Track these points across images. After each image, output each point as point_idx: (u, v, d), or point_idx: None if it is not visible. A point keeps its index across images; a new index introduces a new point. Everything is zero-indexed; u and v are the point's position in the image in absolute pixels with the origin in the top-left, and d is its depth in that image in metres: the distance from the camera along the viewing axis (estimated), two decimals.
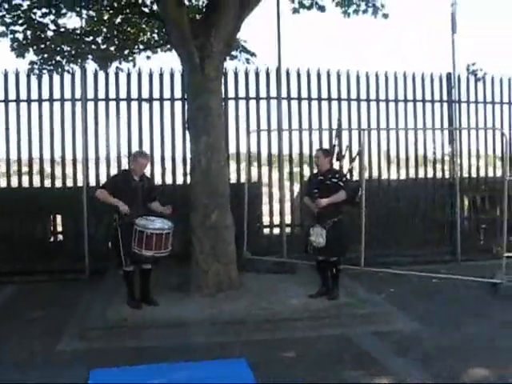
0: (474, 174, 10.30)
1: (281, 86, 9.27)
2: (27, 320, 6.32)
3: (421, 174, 10.12)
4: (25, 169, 9.13)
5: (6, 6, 7.50)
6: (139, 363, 4.81)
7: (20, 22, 7.65)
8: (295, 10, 8.64)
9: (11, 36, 7.70)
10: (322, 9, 8.57)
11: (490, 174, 10.41)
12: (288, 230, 9.53)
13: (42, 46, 7.95)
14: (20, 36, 7.76)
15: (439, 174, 10.17)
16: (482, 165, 10.35)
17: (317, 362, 4.90)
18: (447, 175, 10.11)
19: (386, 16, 8.41)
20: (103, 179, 8.93)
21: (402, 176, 10.02)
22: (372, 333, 5.68)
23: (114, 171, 8.94)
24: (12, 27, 7.65)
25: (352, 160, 8.60)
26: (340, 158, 8.06)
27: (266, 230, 9.72)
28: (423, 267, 8.54)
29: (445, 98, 10.04)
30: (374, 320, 6.03)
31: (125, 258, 6.18)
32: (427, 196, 9.94)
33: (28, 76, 8.88)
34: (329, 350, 5.19)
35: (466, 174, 10.21)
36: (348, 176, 7.92)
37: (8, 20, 7.58)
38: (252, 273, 7.96)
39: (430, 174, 10.16)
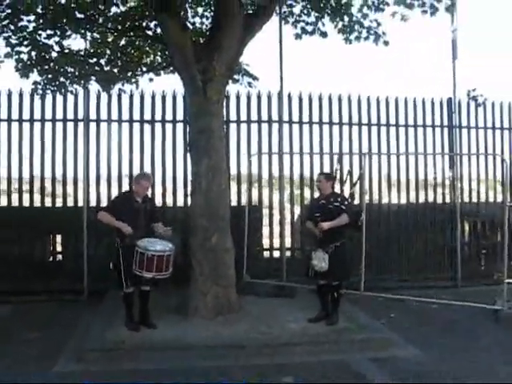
0: (474, 199, 10.31)
1: (282, 109, 9.34)
2: (24, 340, 6.29)
3: (421, 199, 10.13)
4: (26, 187, 9.16)
5: (12, 28, 7.59)
6: None
7: (25, 43, 7.73)
8: (297, 36, 8.73)
9: (16, 57, 7.77)
10: (324, 35, 8.67)
11: (491, 199, 10.42)
12: (288, 253, 9.53)
13: (46, 66, 8.04)
14: (25, 57, 7.83)
15: (440, 199, 10.17)
16: (482, 190, 10.36)
17: None
18: (448, 200, 10.12)
19: (386, 43, 8.50)
20: (104, 199, 8.96)
21: (403, 200, 10.04)
22: (371, 359, 5.65)
23: (114, 191, 8.97)
24: (17, 48, 7.72)
25: (353, 184, 8.62)
26: (341, 182, 8.09)
27: (266, 253, 9.70)
28: (423, 292, 8.52)
29: (445, 123, 10.07)
30: (373, 346, 6.00)
31: (125, 280, 6.18)
32: (428, 220, 9.92)
33: (31, 96, 8.95)
34: (327, 376, 5.16)
35: (466, 199, 10.23)
36: (350, 200, 7.94)
37: (14, 41, 7.66)
38: (251, 296, 7.93)
39: (430, 199, 10.17)
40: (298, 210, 9.85)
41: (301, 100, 9.67)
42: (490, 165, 10.29)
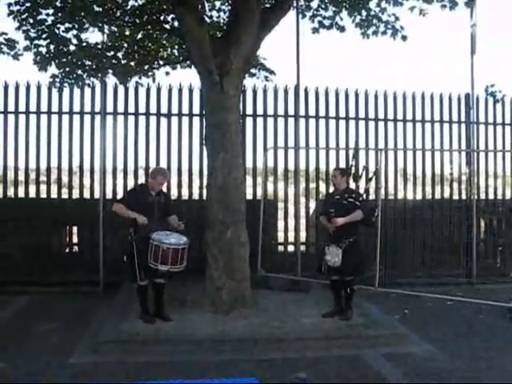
0: (491, 196, 10.24)
1: (299, 104, 9.36)
2: (40, 332, 6.37)
3: (437, 195, 10.08)
4: (43, 179, 9.26)
5: (31, 21, 7.62)
6: (149, 379, 4.82)
7: (44, 36, 7.75)
8: (315, 30, 8.68)
9: (35, 50, 7.80)
10: (341, 29, 8.61)
11: (508, 196, 10.34)
12: (303, 247, 9.54)
13: (64, 59, 8.04)
14: (43, 50, 7.84)
15: (456, 195, 10.12)
16: (499, 186, 10.27)
17: (328, 383, 4.89)
18: (464, 196, 10.06)
19: (404, 38, 8.42)
20: (120, 192, 9.02)
21: (419, 196, 9.99)
22: (385, 355, 5.65)
23: (130, 184, 9.03)
24: (36, 41, 7.75)
25: (369, 180, 8.61)
26: (357, 178, 8.07)
27: (281, 248, 9.72)
28: (438, 289, 8.51)
29: (463, 118, 10.00)
30: (387, 341, 6.00)
31: (139, 273, 6.23)
32: (443, 217, 9.85)
33: (49, 89, 9.04)
34: (341, 371, 5.17)
35: (482, 196, 10.16)
36: (364, 196, 7.93)
37: (32, 34, 7.69)
38: (266, 290, 7.97)
39: (446, 195, 10.11)
40: (313, 205, 9.86)
41: (317, 94, 9.65)
42: (507, 161, 10.21)
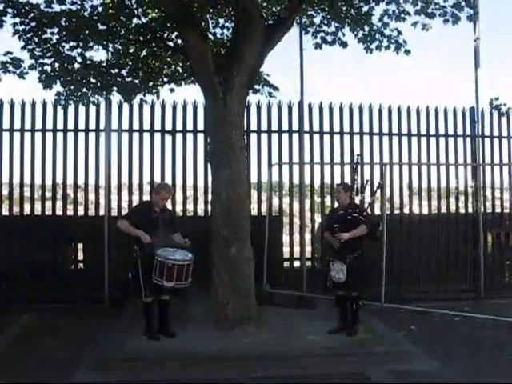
0: (497, 210, 10.19)
1: (303, 119, 9.39)
2: (44, 349, 6.36)
3: (443, 209, 10.04)
4: (48, 195, 9.31)
5: (36, 40, 7.72)
6: None
7: (49, 54, 7.84)
8: (317, 45, 8.74)
9: (40, 68, 7.89)
10: (344, 44, 8.66)
11: None
12: (308, 263, 9.52)
13: (69, 77, 8.12)
14: (48, 68, 7.94)
15: (462, 209, 10.08)
16: (506, 200, 10.23)
17: None
18: (470, 210, 10.02)
19: (408, 52, 8.45)
20: (125, 208, 9.04)
21: (425, 211, 9.96)
22: (391, 371, 5.59)
23: (136, 201, 9.06)
24: (41, 60, 7.84)
25: (373, 194, 8.60)
26: (360, 192, 8.07)
27: (286, 263, 9.68)
28: (446, 304, 8.44)
29: (468, 132, 9.99)
30: (393, 358, 5.95)
31: (144, 289, 6.24)
32: (450, 231, 9.81)
33: (54, 107, 9.10)
34: None
35: (489, 210, 10.12)
36: (368, 210, 7.92)
37: (37, 53, 7.78)
38: (271, 306, 7.95)
39: (452, 209, 10.08)
40: (318, 219, 9.85)
41: (321, 110, 9.66)
42: None
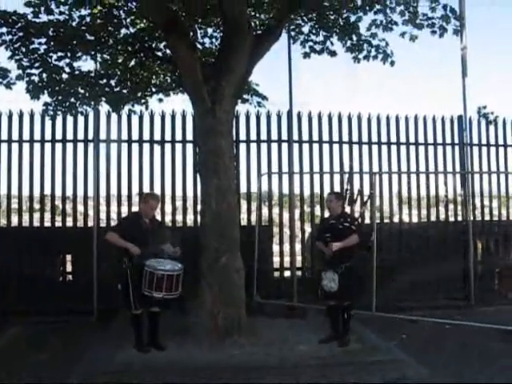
0: (487, 217, 10.24)
1: (292, 129, 9.40)
2: (32, 362, 6.27)
3: (433, 217, 10.07)
4: (37, 207, 9.25)
5: (24, 50, 7.69)
6: None
7: (36, 65, 7.82)
8: (306, 55, 8.80)
9: (27, 79, 7.86)
10: (332, 54, 8.73)
11: (504, 217, 10.35)
12: (299, 273, 9.50)
13: (57, 88, 8.10)
14: (36, 79, 7.91)
15: (452, 218, 10.12)
16: (495, 207, 10.28)
17: None
18: (460, 218, 10.06)
19: (392, 63, 8.54)
20: (114, 219, 9.00)
21: (414, 219, 9.99)
22: (382, 381, 5.58)
23: (124, 212, 9.02)
24: (28, 70, 7.81)
25: (363, 204, 8.61)
26: (352, 202, 8.07)
27: (277, 273, 9.67)
28: (436, 313, 8.42)
29: (456, 140, 10.05)
30: (385, 368, 5.93)
31: (134, 301, 6.19)
32: (440, 239, 9.84)
33: (42, 117, 9.06)
34: None
35: (478, 217, 10.16)
36: (360, 220, 7.93)
37: (25, 63, 7.76)
38: (262, 317, 7.90)
39: (442, 217, 10.11)
40: (308, 229, 9.85)
41: (310, 119, 9.69)
42: (502, 182, 10.24)
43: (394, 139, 9.91)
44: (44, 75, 7.96)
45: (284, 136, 9.52)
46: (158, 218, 7.47)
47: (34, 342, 7.19)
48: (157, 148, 9.35)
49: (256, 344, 6.57)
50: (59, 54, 7.91)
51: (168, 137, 9.41)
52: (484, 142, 10.18)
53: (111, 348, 6.40)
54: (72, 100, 8.39)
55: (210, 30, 8.97)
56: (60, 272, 9.34)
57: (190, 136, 9.39)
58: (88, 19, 7.97)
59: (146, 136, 9.38)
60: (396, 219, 9.96)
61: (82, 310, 8.54)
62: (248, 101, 9.35)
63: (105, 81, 8.47)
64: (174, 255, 6.40)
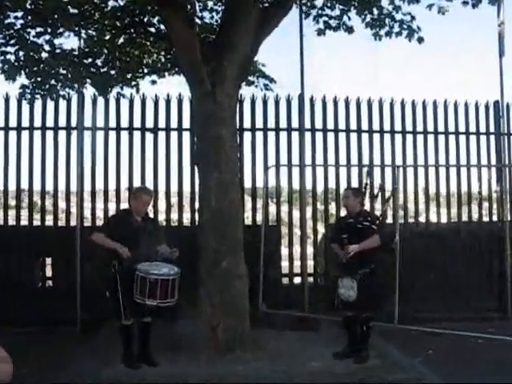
0: None
1: (304, 115, 9.41)
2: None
3: (464, 217, 10.07)
4: (12, 203, 9.29)
5: None
6: None
7: (12, 42, 7.85)
8: (320, 32, 8.79)
9: (1, 57, 7.90)
10: (349, 30, 8.72)
11: None
12: (311, 279, 9.53)
13: (36, 68, 8.14)
14: (11, 57, 7.94)
15: (486, 217, 10.13)
16: None
17: None
18: (495, 218, 10.06)
19: (421, 40, 8.51)
20: (100, 218, 9.05)
21: (443, 219, 9.99)
22: None
23: (112, 209, 9.05)
24: (3, 48, 7.85)
25: (385, 201, 8.64)
26: (372, 198, 8.09)
27: (286, 280, 9.70)
28: (467, 325, 8.43)
29: (492, 129, 10.05)
30: None
31: (124, 310, 6.20)
32: (472, 241, 9.82)
33: (19, 101, 9.10)
34: None
35: None
36: (381, 219, 7.94)
37: None
38: (268, 329, 7.92)
39: (474, 217, 10.11)
40: (321, 229, 9.88)
41: (325, 105, 9.71)
42: None
43: (420, 128, 9.92)
44: (21, 54, 8.00)
45: (294, 124, 9.54)
46: (151, 215, 7.48)
47: (12, 355, 7.19)
48: (149, 137, 9.39)
49: (261, 359, 6.59)
50: (38, 29, 7.94)
51: (162, 124, 9.45)
52: None
53: (96, 364, 6.41)
54: (53, 82, 8.43)
55: (210, 3, 8.99)
56: (39, 277, 9.40)
57: (186, 123, 9.43)
58: None
59: (137, 123, 9.43)
60: (422, 218, 9.97)
61: (64, 320, 8.58)
62: (254, 83, 9.38)
63: (90, 60, 8.51)
64: (171, 257, 6.40)
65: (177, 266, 6.29)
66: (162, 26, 8.14)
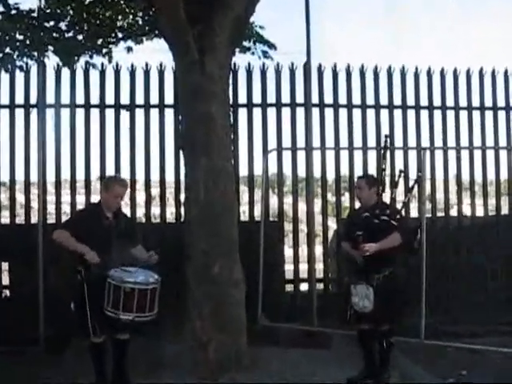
0: None
1: (310, 88, 9.36)
2: None
3: (504, 210, 10.06)
4: None
5: None
6: None
7: None
8: None
9: None
10: None
11: None
12: (320, 286, 9.52)
13: None
14: None
15: None
16: None
17: None
18: None
19: None
20: (67, 214, 9.02)
21: (479, 212, 9.97)
22: None
23: (81, 203, 9.02)
24: None
25: (408, 190, 8.60)
26: (392, 187, 8.06)
27: (290, 287, 9.69)
28: (507, 340, 8.44)
29: None
30: None
31: (93, 325, 6.15)
32: None
33: None
34: None
35: None
36: (403, 212, 7.91)
37: None
38: (269, 346, 7.94)
39: None
40: (333, 225, 9.87)
41: (335, 75, 9.67)
42: None
43: (450, 102, 9.87)
44: None
45: (299, 98, 9.52)
46: (127, 211, 7.44)
47: None
48: (125, 115, 9.35)
49: (261, 382, 6.60)
50: None
51: (140, 100, 9.44)
52: None
53: None
54: (7, 50, 8.39)
55: None
56: None
57: (169, 99, 9.42)
58: None
59: (110, 99, 9.40)
60: (453, 212, 9.94)
61: (25, 338, 8.57)
62: (250, 50, 9.35)
63: (52, 23, 8.46)
64: (148, 262, 6.39)
65: (157, 272, 6.26)
66: None
